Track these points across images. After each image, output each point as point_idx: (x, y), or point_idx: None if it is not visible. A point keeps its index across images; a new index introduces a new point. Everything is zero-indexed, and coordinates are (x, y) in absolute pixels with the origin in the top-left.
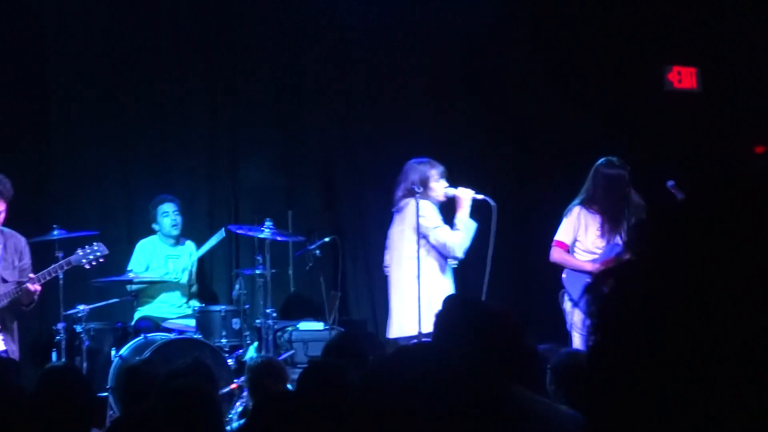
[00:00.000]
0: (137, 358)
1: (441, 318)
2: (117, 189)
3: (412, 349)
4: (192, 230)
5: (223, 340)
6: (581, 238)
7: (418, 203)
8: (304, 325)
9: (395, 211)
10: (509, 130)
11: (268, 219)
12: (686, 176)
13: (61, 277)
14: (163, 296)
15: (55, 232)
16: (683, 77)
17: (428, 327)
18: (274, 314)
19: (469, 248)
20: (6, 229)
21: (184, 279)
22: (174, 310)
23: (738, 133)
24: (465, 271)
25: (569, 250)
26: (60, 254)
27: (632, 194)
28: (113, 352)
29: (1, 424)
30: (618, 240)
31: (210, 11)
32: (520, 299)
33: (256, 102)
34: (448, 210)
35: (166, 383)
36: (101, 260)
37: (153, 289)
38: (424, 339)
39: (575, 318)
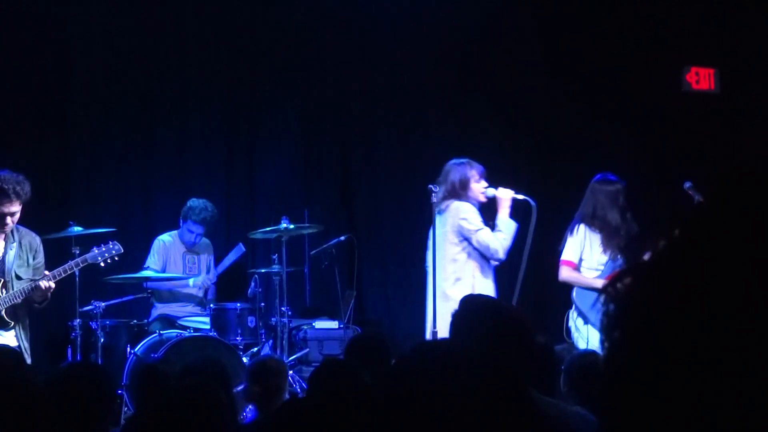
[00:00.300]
0: (153, 355)
1: (456, 318)
2: (135, 186)
3: (432, 345)
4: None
5: (239, 338)
6: (586, 256)
7: (435, 204)
8: (320, 324)
9: (437, 213)
10: (526, 133)
11: (284, 217)
12: (704, 178)
13: (76, 274)
14: (179, 293)
15: (73, 229)
16: (701, 78)
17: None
18: (290, 312)
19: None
20: (21, 227)
21: (200, 281)
22: (190, 309)
23: (756, 134)
24: (499, 270)
25: (577, 268)
26: (76, 251)
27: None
28: (128, 349)
29: (16, 419)
30: (620, 256)
31: (232, 12)
32: (540, 300)
33: (274, 101)
34: (488, 210)
35: (178, 382)
36: (116, 258)
37: (169, 290)
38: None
39: (591, 337)
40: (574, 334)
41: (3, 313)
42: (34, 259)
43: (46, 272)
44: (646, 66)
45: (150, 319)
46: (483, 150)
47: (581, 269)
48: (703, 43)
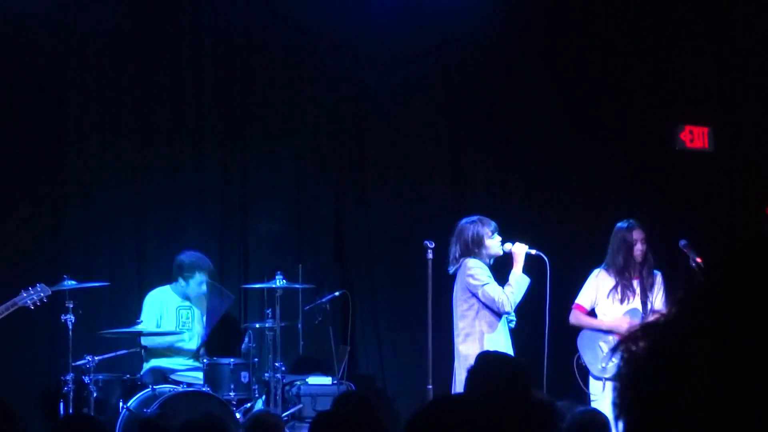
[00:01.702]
0: (145, 410)
1: (470, 373)
2: (129, 240)
3: (447, 400)
4: None
5: (232, 393)
6: (600, 301)
7: (430, 261)
8: (313, 380)
9: (452, 272)
10: (520, 187)
11: (278, 272)
12: (698, 236)
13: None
14: (172, 348)
15: (66, 283)
16: (695, 137)
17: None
18: (283, 368)
19: (524, 304)
20: None
21: (194, 345)
22: (183, 362)
23: (750, 193)
24: (523, 327)
25: (589, 313)
26: (70, 304)
27: (648, 257)
28: (121, 404)
29: None
30: (633, 303)
31: (227, 62)
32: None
33: (268, 154)
34: (504, 265)
35: None
36: (45, 301)
37: (162, 346)
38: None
39: (591, 384)
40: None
41: None
42: None
43: None
44: (641, 124)
45: (142, 373)
46: (478, 205)
47: (597, 314)
48: (697, 102)
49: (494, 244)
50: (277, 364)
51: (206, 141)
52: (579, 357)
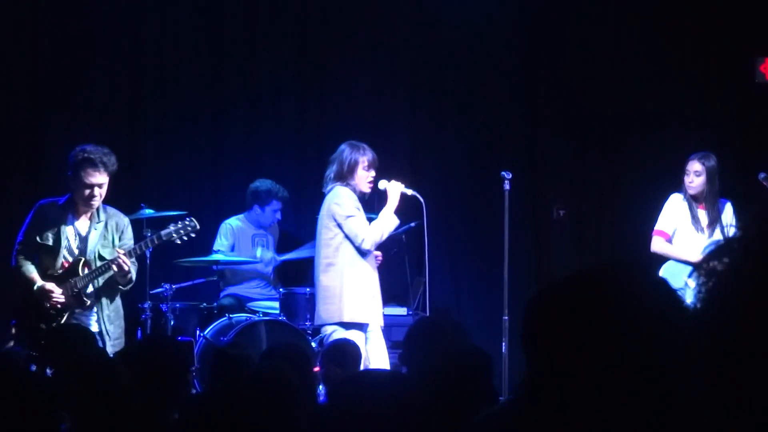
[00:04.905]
0: (222, 338)
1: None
2: (206, 169)
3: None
4: None
5: (308, 323)
6: (681, 228)
7: (507, 192)
8: (388, 310)
9: (324, 193)
10: (593, 119)
11: None
12: None
13: (147, 255)
14: (248, 276)
15: (144, 211)
16: None
17: (350, 315)
18: None
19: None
20: (109, 208)
21: (269, 272)
22: (260, 291)
23: None
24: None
25: (670, 240)
26: (147, 233)
27: (708, 191)
28: (198, 332)
29: (94, 390)
30: (713, 236)
31: None
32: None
33: (345, 84)
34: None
35: (259, 364)
36: (193, 235)
37: (239, 270)
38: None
39: None
40: None
41: (82, 292)
42: (119, 239)
43: (118, 250)
44: (720, 56)
45: (219, 302)
46: (554, 136)
47: (674, 243)
48: None
49: (363, 179)
50: None
51: (283, 69)
52: None
